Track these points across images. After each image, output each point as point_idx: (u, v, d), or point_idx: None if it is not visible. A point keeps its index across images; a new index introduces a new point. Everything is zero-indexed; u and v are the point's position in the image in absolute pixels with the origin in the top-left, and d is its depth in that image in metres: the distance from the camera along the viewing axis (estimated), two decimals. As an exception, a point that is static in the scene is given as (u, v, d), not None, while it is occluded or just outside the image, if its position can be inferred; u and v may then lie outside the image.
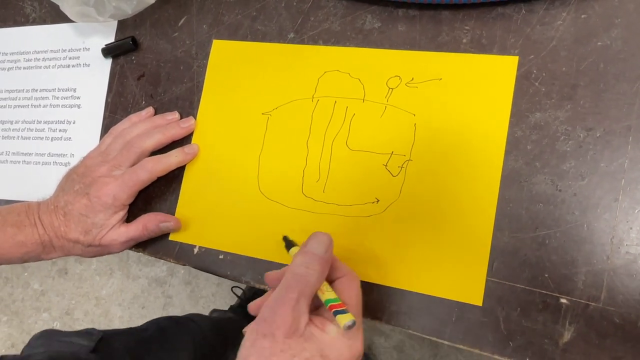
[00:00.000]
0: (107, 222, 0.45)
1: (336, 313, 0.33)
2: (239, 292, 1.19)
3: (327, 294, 0.35)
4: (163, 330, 0.67)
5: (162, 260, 1.32)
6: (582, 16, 0.40)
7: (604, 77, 0.39)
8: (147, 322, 0.70)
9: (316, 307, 0.36)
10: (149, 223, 0.46)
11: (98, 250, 0.46)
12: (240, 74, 0.48)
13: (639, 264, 0.36)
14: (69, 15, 0.51)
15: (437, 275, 0.39)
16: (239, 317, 1.07)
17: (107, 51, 0.53)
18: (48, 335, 0.59)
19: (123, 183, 0.45)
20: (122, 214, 0.46)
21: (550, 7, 0.41)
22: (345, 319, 0.33)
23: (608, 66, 0.39)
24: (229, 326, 0.87)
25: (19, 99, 0.57)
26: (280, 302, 0.33)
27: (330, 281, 0.36)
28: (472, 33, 0.42)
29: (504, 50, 0.41)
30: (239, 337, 0.34)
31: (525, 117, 0.40)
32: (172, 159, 0.47)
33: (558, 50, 0.40)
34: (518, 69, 0.40)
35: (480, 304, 0.38)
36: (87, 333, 0.58)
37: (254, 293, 1.17)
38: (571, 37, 0.40)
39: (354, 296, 0.36)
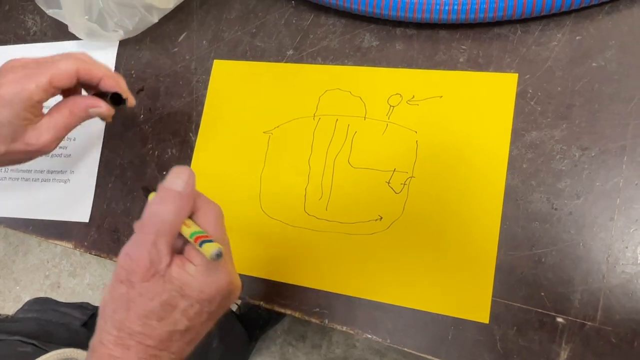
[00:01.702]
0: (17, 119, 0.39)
1: (202, 243, 0.31)
2: (234, 307, 1.18)
3: (192, 227, 0.32)
4: None
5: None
6: (577, 37, 0.40)
7: (599, 98, 0.39)
8: None
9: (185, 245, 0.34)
10: (74, 107, 0.41)
11: (21, 156, 0.41)
12: (241, 93, 0.49)
13: (635, 283, 0.36)
14: (76, 34, 0.52)
15: (442, 293, 0.39)
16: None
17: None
18: (43, 302, 0.58)
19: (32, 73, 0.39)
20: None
21: (545, 28, 0.41)
22: (211, 248, 0.30)
23: (603, 86, 0.39)
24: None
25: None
26: (135, 245, 0.31)
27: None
28: (469, 52, 0.43)
29: (500, 70, 0.42)
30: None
31: (521, 136, 0.40)
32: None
33: (553, 71, 0.40)
34: (514, 88, 0.41)
35: (486, 321, 0.38)
36: (81, 306, 0.57)
37: (249, 309, 1.16)
38: (566, 58, 0.40)
39: (213, 225, 0.33)
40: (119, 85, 0.42)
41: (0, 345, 0.47)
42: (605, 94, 0.39)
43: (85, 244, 0.51)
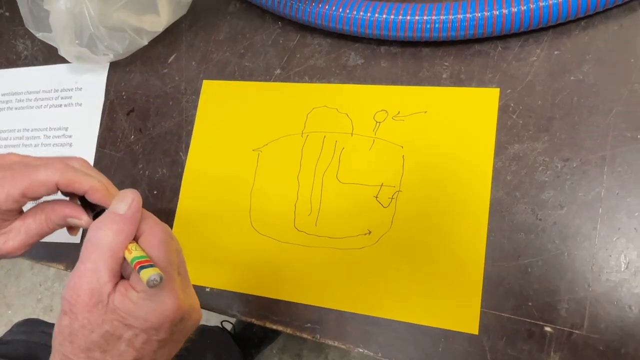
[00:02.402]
0: None
1: (140, 269, 0.29)
2: (229, 326, 1.17)
3: (134, 252, 0.30)
4: None
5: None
6: (555, 52, 0.42)
7: (578, 110, 0.40)
8: None
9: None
10: (52, 214, 0.36)
11: None
12: (230, 112, 0.49)
13: (620, 291, 0.36)
14: (66, 58, 0.52)
15: (431, 305, 0.40)
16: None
17: None
18: (31, 324, 0.57)
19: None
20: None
21: (524, 44, 0.43)
22: (147, 274, 0.28)
23: (581, 99, 0.40)
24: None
25: (10, 139, 0.58)
26: (76, 275, 0.30)
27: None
28: (452, 69, 0.44)
29: (482, 85, 0.43)
30: None
31: (505, 149, 0.41)
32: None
33: (534, 85, 0.42)
34: (496, 103, 0.42)
35: (476, 332, 0.38)
36: None
37: (244, 327, 1.16)
38: (545, 72, 0.42)
39: (157, 249, 0.31)
40: (107, 197, 0.35)
41: None
42: (584, 107, 0.40)
43: (77, 265, 0.51)
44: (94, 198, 0.35)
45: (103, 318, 0.29)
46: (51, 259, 0.52)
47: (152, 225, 0.32)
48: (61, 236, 0.51)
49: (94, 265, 0.29)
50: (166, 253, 0.31)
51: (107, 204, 0.34)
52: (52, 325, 0.58)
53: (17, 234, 0.36)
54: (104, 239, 0.30)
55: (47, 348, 0.52)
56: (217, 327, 1.07)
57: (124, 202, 0.31)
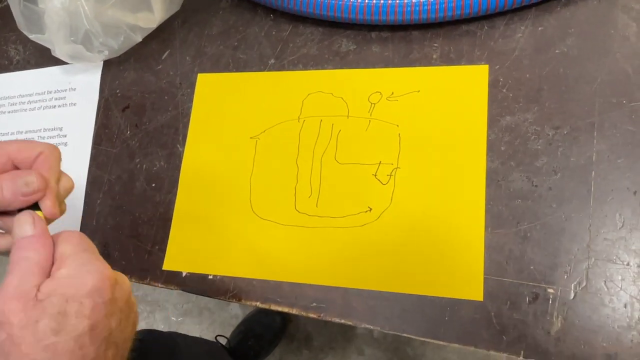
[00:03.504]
0: None
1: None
2: (224, 340, 1.15)
3: None
4: (140, 341, 0.64)
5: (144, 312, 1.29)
6: (539, 28, 0.44)
7: (565, 81, 0.42)
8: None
9: None
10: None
11: None
12: (226, 103, 0.50)
13: (617, 249, 0.37)
14: (61, 57, 0.53)
15: (435, 276, 0.40)
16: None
17: None
18: None
19: None
20: None
21: (509, 22, 0.44)
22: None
23: (567, 70, 0.42)
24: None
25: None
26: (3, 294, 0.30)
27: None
28: (441, 49, 0.46)
29: (471, 63, 0.44)
30: None
31: (497, 121, 0.42)
32: None
33: (521, 60, 0.43)
34: (486, 78, 0.44)
35: (481, 299, 0.39)
36: None
37: (239, 341, 1.14)
38: (531, 47, 0.43)
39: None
40: (52, 170, 0.36)
41: None
42: (570, 77, 0.42)
43: (75, 262, 0.50)
44: (43, 163, 0.35)
45: (42, 306, 0.29)
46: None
47: (64, 233, 0.34)
48: (58, 233, 0.51)
49: (18, 280, 0.30)
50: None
51: (50, 178, 0.35)
52: None
53: None
54: (26, 262, 0.31)
55: None
56: (212, 341, 1.06)
57: (28, 224, 0.32)
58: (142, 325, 1.30)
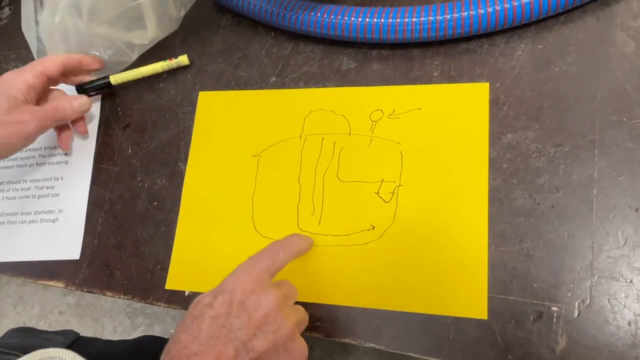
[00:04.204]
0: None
1: None
2: None
3: None
4: (142, 346, 0.64)
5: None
6: (539, 46, 0.44)
7: (565, 98, 0.42)
8: (132, 339, 0.67)
9: None
10: (60, 102, 0.51)
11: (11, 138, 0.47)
12: (228, 120, 0.50)
13: (620, 267, 0.38)
14: None
15: (439, 294, 0.40)
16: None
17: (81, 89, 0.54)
18: (24, 331, 0.57)
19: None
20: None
21: (509, 40, 0.45)
22: None
23: (567, 88, 0.42)
24: None
25: (4, 161, 0.57)
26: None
27: None
28: (442, 67, 0.46)
29: (472, 80, 0.45)
30: None
31: (498, 139, 0.43)
32: None
33: (521, 77, 0.44)
34: (487, 96, 0.44)
35: (485, 317, 0.39)
36: (64, 333, 0.56)
37: None
38: (531, 65, 0.44)
39: None
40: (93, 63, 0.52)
41: None
42: (570, 95, 0.42)
43: (77, 281, 0.50)
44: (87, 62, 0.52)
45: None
46: (49, 277, 0.51)
47: None
48: (59, 254, 0.51)
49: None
50: None
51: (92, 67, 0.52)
52: (44, 331, 0.56)
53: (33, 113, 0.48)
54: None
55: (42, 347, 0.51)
56: None
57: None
58: (140, 338, 1.30)
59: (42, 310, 1.41)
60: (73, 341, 0.54)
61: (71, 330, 0.57)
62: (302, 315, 0.39)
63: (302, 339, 0.37)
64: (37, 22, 0.51)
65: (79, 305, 1.39)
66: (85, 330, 1.35)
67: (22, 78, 0.48)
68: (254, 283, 0.36)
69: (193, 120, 0.51)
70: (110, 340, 0.63)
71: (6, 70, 0.61)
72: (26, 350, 0.44)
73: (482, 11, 0.43)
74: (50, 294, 1.42)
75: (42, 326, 1.38)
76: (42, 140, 0.56)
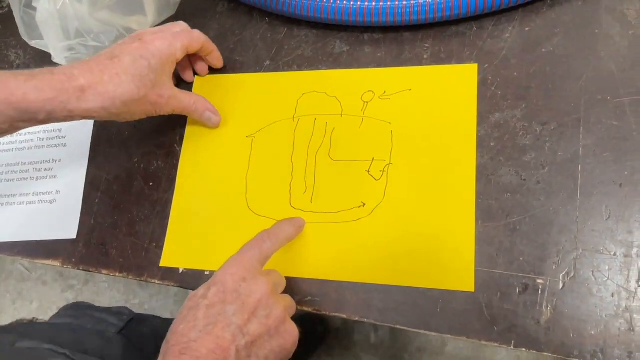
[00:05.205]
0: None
1: None
2: None
3: None
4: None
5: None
6: (526, 29, 0.45)
7: (552, 78, 0.43)
8: None
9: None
10: (199, 103, 0.48)
11: (147, 107, 0.46)
12: (223, 103, 0.51)
13: (604, 239, 0.38)
14: (59, 62, 0.54)
15: (427, 268, 0.41)
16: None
17: None
18: (78, 307, 0.57)
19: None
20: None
21: (497, 23, 0.46)
22: None
23: (554, 69, 0.43)
24: None
25: (3, 144, 0.58)
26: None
27: None
28: (432, 49, 0.47)
29: (461, 62, 0.46)
30: None
31: (486, 118, 0.44)
32: None
33: (509, 59, 0.45)
34: (475, 77, 0.45)
35: (472, 290, 0.40)
36: (119, 312, 0.56)
37: None
38: (519, 47, 0.45)
39: None
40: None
41: (32, 355, 0.46)
42: (556, 75, 0.43)
43: (73, 260, 0.51)
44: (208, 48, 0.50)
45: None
46: (46, 256, 0.52)
47: None
48: (56, 233, 0.52)
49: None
50: None
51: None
52: (99, 308, 0.57)
53: (176, 94, 0.47)
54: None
55: (93, 333, 0.52)
56: None
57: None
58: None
59: (41, 305, 1.42)
60: (127, 323, 0.55)
61: (126, 309, 0.58)
62: (290, 302, 0.41)
63: (293, 323, 0.39)
64: (33, 9, 0.52)
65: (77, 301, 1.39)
66: (84, 325, 1.35)
67: (172, 49, 0.45)
68: (244, 272, 0.38)
69: (189, 103, 0.52)
70: (168, 319, 0.63)
71: (7, 57, 0.62)
72: (77, 346, 0.45)
73: (471, -6, 0.44)
74: (49, 290, 1.42)
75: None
76: (41, 123, 0.57)
